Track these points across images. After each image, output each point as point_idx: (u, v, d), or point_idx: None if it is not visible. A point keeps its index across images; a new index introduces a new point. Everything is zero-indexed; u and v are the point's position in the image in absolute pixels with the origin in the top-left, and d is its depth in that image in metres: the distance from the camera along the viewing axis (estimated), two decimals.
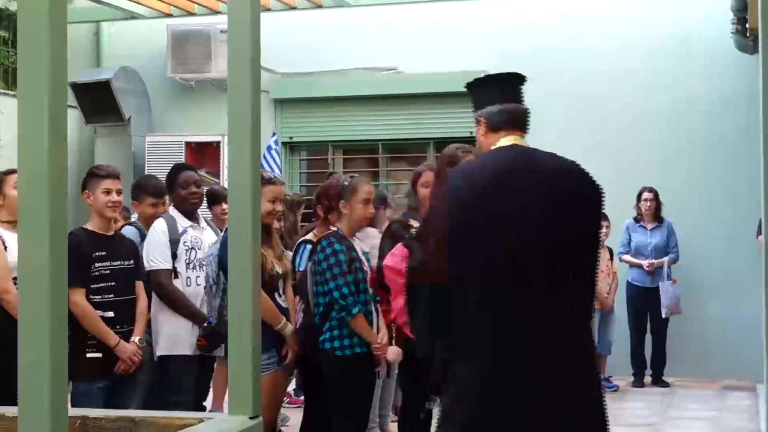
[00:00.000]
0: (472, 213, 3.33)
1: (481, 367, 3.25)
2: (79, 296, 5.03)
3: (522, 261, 3.26)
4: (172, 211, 6.04)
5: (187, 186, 6.00)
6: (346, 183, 5.29)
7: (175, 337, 5.79)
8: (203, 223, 6.15)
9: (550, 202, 3.34)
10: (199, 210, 6.22)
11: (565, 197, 3.38)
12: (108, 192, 5.23)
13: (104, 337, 5.13)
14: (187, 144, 10.98)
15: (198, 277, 5.87)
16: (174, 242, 5.85)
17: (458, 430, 3.27)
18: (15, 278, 5.20)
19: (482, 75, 3.98)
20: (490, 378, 3.23)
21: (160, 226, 5.90)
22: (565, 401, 3.20)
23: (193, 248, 5.91)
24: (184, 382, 5.80)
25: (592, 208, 3.47)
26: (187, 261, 5.88)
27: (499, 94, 3.75)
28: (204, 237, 6.01)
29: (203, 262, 5.85)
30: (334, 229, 5.29)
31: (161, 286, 5.75)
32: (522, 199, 3.33)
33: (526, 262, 3.26)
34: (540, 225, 3.30)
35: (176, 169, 6.17)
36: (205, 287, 5.68)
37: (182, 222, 5.95)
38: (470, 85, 3.81)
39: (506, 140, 3.61)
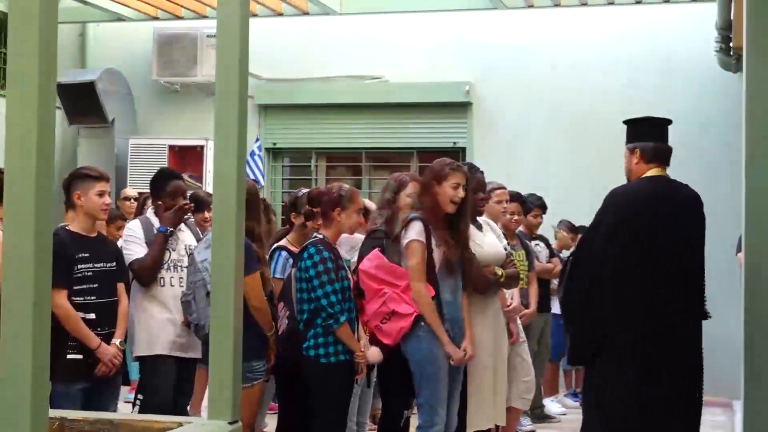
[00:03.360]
0: (629, 225, 4.66)
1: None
2: (61, 298, 5.00)
3: (657, 261, 4.62)
4: (150, 214, 6.02)
5: (175, 197, 5.98)
6: (344, 192, 5.30)
7: (152, 336, 5.75)
8: (181, 225, 6.08)
9: (686, 219, 4.76)
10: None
11: (689, 217, 4.78)
12: (102, 194, 5.23)
13: (85, 339, 5.10)
14: (171, 147, 10.96)
15: (172, 278, 5.84)
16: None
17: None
18: None
19: (638, 117, 5.21)
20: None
21: (135, 225, 5.93)
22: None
23: (167, 250, 5.88)
24: (162, 382, 5.76)
25: (702, 227, 4.86)
26: (162, 262, 5.86)
27: (650, 130, 5.00)
28: (181, 237, 5.99)
29: (179, 264, 5.83)
30: (320, 236, 5.28)
31: (138, 274, 5.75)
32: (665, 218, 4.71)
33: (660, 262, 4.63)
34: (674, 236, 4.68)
35: (166, 176, 6.16)
36: (185, 293, 5.68)
37: (157, 225, 5.92)
38: (628, 121, 5.07)
39: (653, 171, 4.85)
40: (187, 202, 6.01)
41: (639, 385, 4.58)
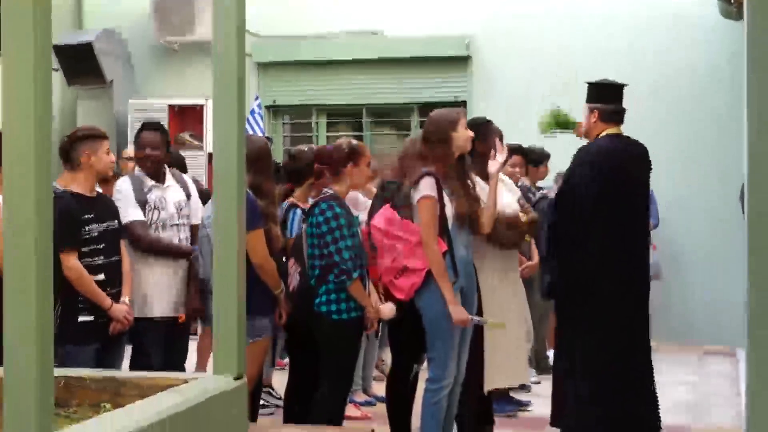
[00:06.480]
0: (610, 176, 5.44)
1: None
2: (73, 259, 5.01)
3: (632, 207, 5.51)
4: (138, 171, 5.87)
5: (141, 147, 5.83)
6: (353, 147, 5.29)
7: (145, 300, 5.66)
8: (169, 180, 5.91)
9: (643, 170, 5.63)
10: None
11: (645, 167, 5.64)
12: (109, 152, 5.26)
13: (98, 300, 5.11)
14: (170, 107, 10.94)
15: (162, 238, 5.78)
16: (141, 203, 5.68)
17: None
18: None
19: (607, 81, 5.82)
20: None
21: (124, 184, 5.75)
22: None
23: (156, 209, 5.73)
24: (153, 345, 5.71)
25: (649, 176, 5.75)
26: (151, 222, 5.72)
27: (608, 93, 5.64)
28: (167, 196, 5.82)
29: (169, 222, 5.77)
30: (330, 192, 5.27)
31: (139, 238, 5.65)
32: (632, 168, 5.57)
33: (635, 207, 5.54)
34: (638, 184, 5.59)
35: (140, 129, 5.98)
36: (195, 249, 5.67)
37: (147, 181, 5.77)
38: (590, 83, 5.74)
39: (611, 130, 5.58)
40: (153, 154, 5.78)
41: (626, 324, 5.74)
